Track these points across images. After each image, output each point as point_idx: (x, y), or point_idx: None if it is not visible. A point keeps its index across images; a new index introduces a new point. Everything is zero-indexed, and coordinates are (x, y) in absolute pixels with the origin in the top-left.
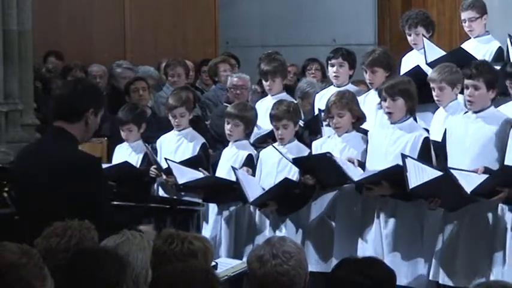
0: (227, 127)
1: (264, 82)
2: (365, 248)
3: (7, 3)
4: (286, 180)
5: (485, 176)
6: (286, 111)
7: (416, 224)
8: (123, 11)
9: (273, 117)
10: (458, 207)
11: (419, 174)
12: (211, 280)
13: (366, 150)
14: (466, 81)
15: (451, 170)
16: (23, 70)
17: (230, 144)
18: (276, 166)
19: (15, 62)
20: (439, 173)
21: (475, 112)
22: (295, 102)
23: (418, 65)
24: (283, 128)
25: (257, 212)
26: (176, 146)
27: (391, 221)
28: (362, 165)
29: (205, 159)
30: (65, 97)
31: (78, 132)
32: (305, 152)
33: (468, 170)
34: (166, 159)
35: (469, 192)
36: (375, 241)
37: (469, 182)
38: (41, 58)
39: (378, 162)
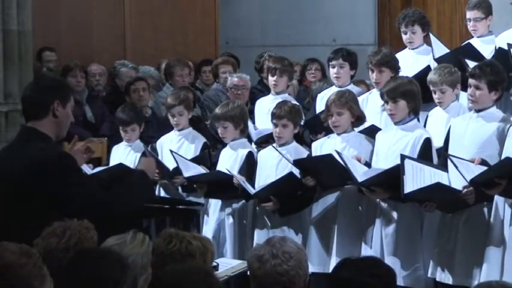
0: (218, 131)
1: (270, 77)
2: (365, 248)
3: (7, 3)
4: (291, 174)
5: (482, 167)
6: (288, 112)
7: (416, 223)
8: (123, 11)
9: (274, 115)
10: (455, 209)
11: (416, 176)
12: (210, 282)
13: (369, 151)
14: (470, 80)
15: (451, 157)
16: (23, 70)
17: (227, 145)
18: (275, 168)
19: (15, 62)
20: (436, 174)
21: (477, 111)
22: (298, 104)
23: (428, 66)
24: (282, 127)
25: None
26: (177, 147)
27: (392, 220)
28: (368, 165)
29: (208, 159)
30: (28, 96)
31: (50, 128)
32: (304, 154)
33: (466, 159)
34: (171, 151)
35: (468, 181)
36: (375, 241)
37: (468, 172)
38: (36, 57)
39: (380, 163)
